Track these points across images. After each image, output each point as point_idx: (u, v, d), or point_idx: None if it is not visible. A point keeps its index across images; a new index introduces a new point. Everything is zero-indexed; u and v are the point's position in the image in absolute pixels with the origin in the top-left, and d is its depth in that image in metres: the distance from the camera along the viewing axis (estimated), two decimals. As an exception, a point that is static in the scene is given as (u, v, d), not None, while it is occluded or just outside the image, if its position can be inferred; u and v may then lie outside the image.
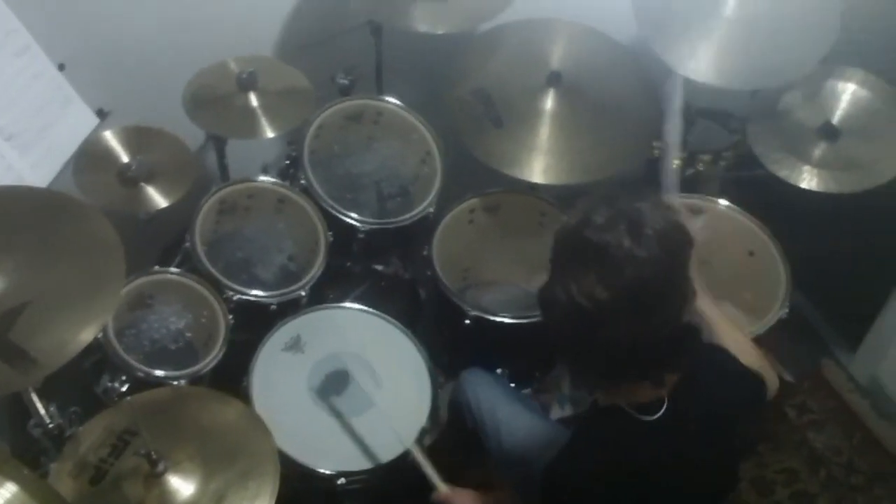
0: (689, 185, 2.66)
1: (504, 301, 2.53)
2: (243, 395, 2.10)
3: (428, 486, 1.97)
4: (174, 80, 2.33)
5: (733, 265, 2.41)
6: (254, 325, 2.25)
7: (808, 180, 2.32)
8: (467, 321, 2.33)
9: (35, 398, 1.84)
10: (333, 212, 2.39)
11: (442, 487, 1.95)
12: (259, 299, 2.26)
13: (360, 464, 2.07)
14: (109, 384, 2.04)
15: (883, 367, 2.81)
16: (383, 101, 2.57)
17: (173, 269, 2.23)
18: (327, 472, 2.05)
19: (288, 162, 2.54)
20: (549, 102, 2.43)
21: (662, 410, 1.56)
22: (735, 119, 2.67)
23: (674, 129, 2.22)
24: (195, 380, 2.11)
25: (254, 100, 2.35)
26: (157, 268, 2.23)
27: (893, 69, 2.44)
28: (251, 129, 2.33)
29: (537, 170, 2.36)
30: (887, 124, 2.37)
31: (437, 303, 2.44)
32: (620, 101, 2.49)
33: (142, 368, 2.06)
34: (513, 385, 2.47)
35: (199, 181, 2.31)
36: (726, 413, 1.68)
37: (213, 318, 2.20)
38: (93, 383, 2.11)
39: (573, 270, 1.44)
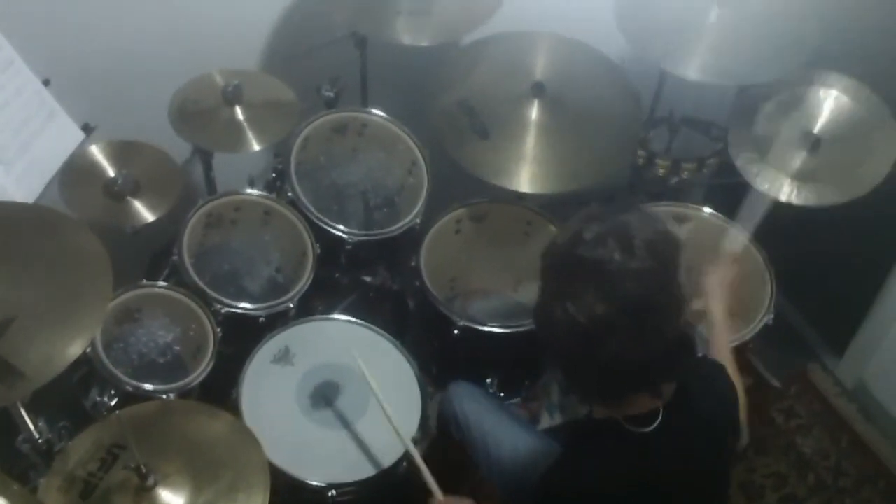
0: (674, 193, 2.69)
1: (492, 310, 2.54)
2: (232, 408, 2.09)
3: (419, 498, 1.97)
4: (160, 93, 2.34)
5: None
6: (242, 338, 2.24)
7: (789, 193, 2.34)
8: (456, 331, 2.33)
9: (23, 413, 1.83)
10: (320, 223, 2.39)
11: (438, 494, 1.95)
12: (247, 312, 2.26)
13: (350, 475, 2.06)
14: (98, 398, 2.04)
15: (869, 371, 2.83)
16: (368, 112, 2.58)
17: (161, 283, 2.23)
18: (318, 483, 2.04)
19: (274, 174, 2.54)
20: (533, 113, 2.44)
21: (658, 422, 1.57)
22: (717, 127, 2.70)
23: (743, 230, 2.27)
24: (184, 393, 2.10)
25: (239, 113, 2.36)
26: (144, 281, 2.23)
27: (875, 74, 2.46)
28: (237, 143, 2.34)
29: (524, 179, 2.37)
30: (869, 131, 2.39)
31: (425, 313, 2.44)
32: (604, 110, 2.51)
33: (130, 382, 2.06)
34: (502, 394, 2.47)
35: (186, 194, 2.31)
36: (718, 421, 1.69)
37: (202, 332, 2.20)
38: (81, 398, 2.10)
39: (569, 289, 1.45)
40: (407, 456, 2.05)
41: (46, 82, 2.18)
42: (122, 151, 2.29)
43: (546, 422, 2.60)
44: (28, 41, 2.13)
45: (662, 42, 2.40)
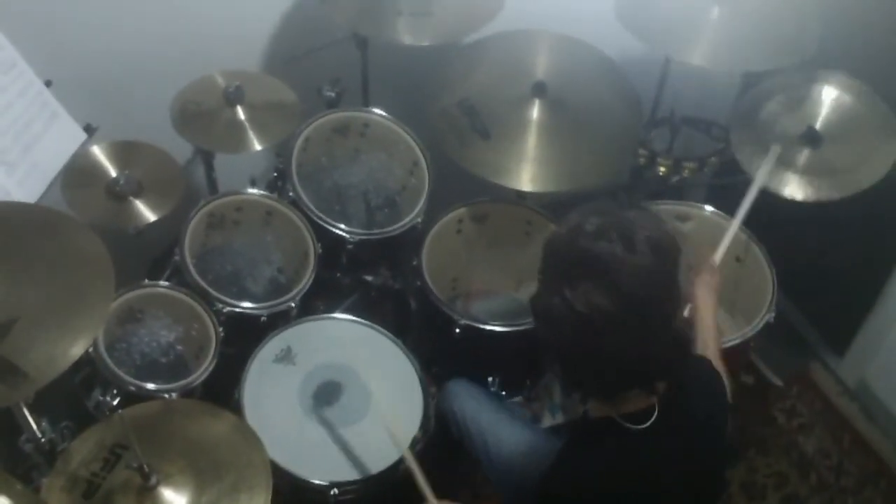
0: (676, 192, 2.69)
1: (493, 310, 2.55)
2: (235, 408, 2.10)
3: (421, 497, 1.97)
4: (161, 94, 2.34)
5: (720, 271, 2.43)
6: (244, 338, 2.25)
7: (792, 189, 2.34)
8: (457, 330, 2.33)
9: (26, 413, 1.84)
10: (322, 223, 2.40)
11: (433, 500, 1.94)
12: (249, 311, 2.26)
13: (352, 474, 2.07)
14: (101, 398, 2.04)
15: (871, 370, 2.83)
16: (370, 112, 2.58)
17: (163, 283, 2.24)
18: (320, 482, 2.04)
19: (276, 174, 2.55)
20: (534, 112, 2.44)
21: (653, 419, 1.57)
22: (718, 127, 2.70)
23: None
24: (186, 393, 2.11)
25: (241, 113, 2.36)
26: (146, 281, 2.23)
27: (876, 73, 2.46)
28: (239, 143, 2.35)
29: (525, 179, 2.37)
30: (870, 128, 2.39)
31: (426, 312, 2.44)
32: (605, 110, 2.51)
33: (133, 382, 2.06)
34: (503, 393, 2.48)
35: (188, 195, 2.31)
36: (712, 418, 1.69)
37: (204, 331, 2.20)
38: (84, 398, 2.11)
39: (569, 280, 1.45)
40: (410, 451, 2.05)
41: (48, 83, 2.19)
42: (123, 152, 2.29)
43: (548, 421, 2.60)
44: (30, 42, 2.14)
45: (664, 36, 2.39)
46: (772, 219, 2.39)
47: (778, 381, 2.84)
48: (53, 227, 1.82)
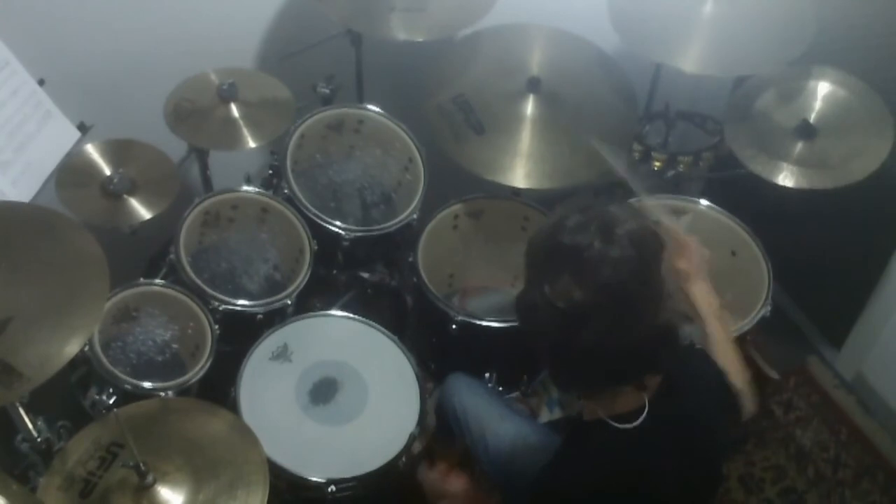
0: (671, 186, 2.69)
1: (489, 305, 2.54)
2: (231, 405, 2.09)
3: (418, 492, 1.97)
4: (155, 92, 2.34)
5: (716, 264, 2.43)
6: (240, 336, 2.25)
7: (785, 177, 2.34)
8: (454, 326, 2.33)
9: (22, 413, 1.84)
10: (317, 220, 2.39)
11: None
12: (245, 309, 2.26)
13: (350, 471, 2.07)
14: (97, 397, 2.04)
15: (868, 363, 2.83)
16: (364, 109, 2.58)
17: (158, 281, 2.23)
18: (317, 479, 2.04)
19: (271, 172, 2.55)
20: (529, 108, 2.44)
21: (643, 417, 1.57)
22: (713, 121, 2.70)
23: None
24: (182, 391, 2.10)
25: (235, 111, 2.36)
26: (141, 280, 2.23)
27: (868, 67, 2.46)
28: (233, 141, 2.34)
29: (520, 175, 2.37)
30: (863, 121, 2.40)
31: (423, 309, 2.44)
32: (600, 105, 2.51)
33: (129, 381, 2.06)
34: (501, 389, 2.48)
35: (183, 193, 2.31)
36: (707, 413, 1.69)
37: (200, 329, 2.20)
38: (80, 397, 2.11)
39: (547, 273, 1.45)
40: (406, 451, 2.05)
41: (41, 82, 2.18)
42: (118, 150, 2.29)
43: (546, 417, 2.61)
44: (23, 41, 2.13)
45: (656, 36, 2.39)
46: (768, 213, 2.40)
47: (775, 375, 2.83)
48: (48, 227, 1.82)
